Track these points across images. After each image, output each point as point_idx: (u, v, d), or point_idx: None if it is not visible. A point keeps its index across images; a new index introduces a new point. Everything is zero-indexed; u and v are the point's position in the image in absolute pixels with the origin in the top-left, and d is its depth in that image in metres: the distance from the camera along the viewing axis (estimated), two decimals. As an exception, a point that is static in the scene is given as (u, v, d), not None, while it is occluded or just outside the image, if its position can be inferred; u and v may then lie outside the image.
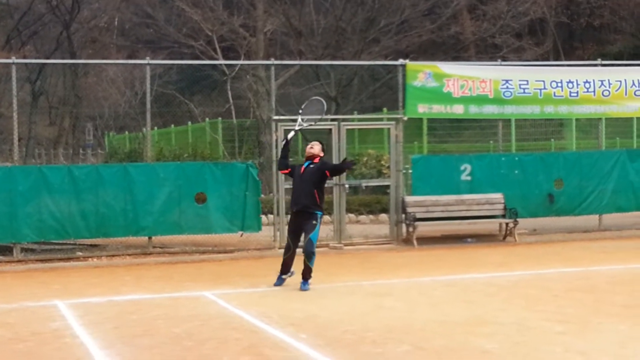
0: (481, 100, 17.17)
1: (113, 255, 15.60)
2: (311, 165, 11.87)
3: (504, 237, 17.10)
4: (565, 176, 17.81)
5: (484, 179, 17.21)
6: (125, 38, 43.19)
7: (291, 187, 17.44)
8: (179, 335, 8.90)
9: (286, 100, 25.86)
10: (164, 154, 25.20)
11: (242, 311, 10.16)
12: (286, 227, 16.45)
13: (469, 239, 17.02)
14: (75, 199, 15.09)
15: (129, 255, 15.60)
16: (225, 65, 23.36)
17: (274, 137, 16.27)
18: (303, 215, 11.74)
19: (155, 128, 29.82)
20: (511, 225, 16.90)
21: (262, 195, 16.53)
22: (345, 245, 16.01)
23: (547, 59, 33.14)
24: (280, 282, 11.98)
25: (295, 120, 20.51)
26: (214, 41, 26.37)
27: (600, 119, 18.78)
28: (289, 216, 18.85)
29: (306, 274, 11.71)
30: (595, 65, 18.70)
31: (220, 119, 27.49)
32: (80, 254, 15.76)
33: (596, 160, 18.02)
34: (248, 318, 9.77)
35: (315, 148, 12.03)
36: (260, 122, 24.52)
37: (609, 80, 17.84)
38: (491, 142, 21.70)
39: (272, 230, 16.18)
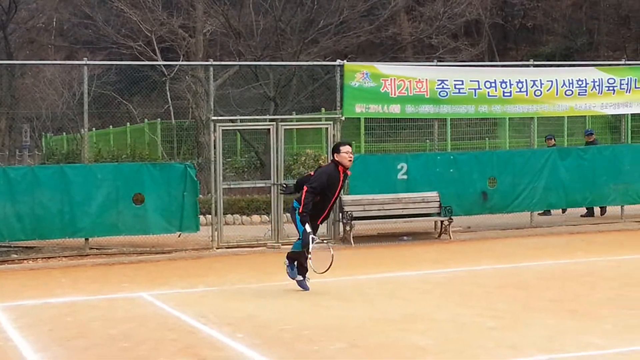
0: (418, 100, 17.28)
1: (49, 257, 15.36)
2: (346, 177, 11.23)
3: (439, 235, 17.26)
4: (499, 174, 18.03)
5: (420, 177, 17.34)
6: (63, 39, 42.57)
7: (229, 187, 17.53)
8: (114, 337, 8.80)
9: (225, 100, 25.76)
10: (102, 155, 24.92)
11: (180, 312, 10.09)
12: (224, 227, 16.51)
13: (405, 237, 17.13)
14: (10, 200, 14.84)
15: (65, 257, 15.38)
16: (164, 66, 23.15)
17: (212, 138, 16.18)
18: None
19: (94, 129, 29.48)
20: (446, 223, 17.06)
21: (200, 196, 16.44)
22: (283, 244, 15.99)
23: (482, 60, 33.53)
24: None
25: (233, 121, 20.63)
26: (153, 42, 26.12)
27: (533, 118, 19.07)
28: (227, 216, 18.98)
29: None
30: (528, 65, 18.98)
31: (159, 119, 27.28)
32: (15, 256, 15.49)
33: (528, 159, 18.26)
34: (185, 318, 9.71)
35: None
36: (199, 122, 24.37)
37: (540, 80, 18.07)
38: (427, 141, 21.91)
39: (210, 230, 16.09)
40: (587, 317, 9.45)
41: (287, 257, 11.34)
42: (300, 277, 11.31)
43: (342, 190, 11.28)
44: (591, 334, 8.65)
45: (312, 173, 11.32)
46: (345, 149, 11.03)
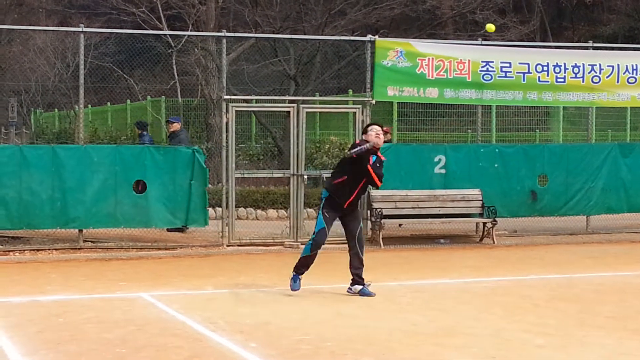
0: (458, 83, 17.25)
1: (38, 250, 15.47)
2: (378, 164, 11.44)
3: (481, 239, 17.26)
4: (550, 172, 17.99)
5: (460, 172, 17.33)
6: (56, 2, 42.72)
7: (242, 176, 17.58)
8: (110, 342, 8.86)
9: (239, 78, 25.81)
10: (98, 136, 25.09)
11: (185, 316, 10.13)
12: (236, 222, 16.57)
13: (442, 240, 17.13)
14: (-6, 184, 14.97)
15: (56, 249, 15.49)
16: (171, 36, 23.16)
17: (224, 120, 16.23)
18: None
19: (89, 106, 29.60)
20: (489, 225, 17.05)
21: (210, 186, 16.52)
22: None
23: (533, 40, 33.46)
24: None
25: (248, 101, 20.66)
26: (158, 8, 26.18)
27: (590, 108, 18.99)
28: (239, 209, 19.05)
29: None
30: (586, 48, 18.88)
31: (163, 97, 27.39)
32: (0, 247, 15.61)
33: (585, 155, 18.21)
34: (191, 324, 9.76)
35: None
36: (209, 101, 24.43)
37: (600, 65, 17.99)
38: (469, 131, 21.89)
39: (220, 225, 16.15)
40: (650, 338, 9.43)
41: (295, 267, 11.48)
42: (358, 287, 11.58)
43: (371, 179, 11.34)
44: (654, 357, 8.64)
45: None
46: (373, 128, 11.42)
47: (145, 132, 18.63)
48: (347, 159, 11.21)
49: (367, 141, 11.20)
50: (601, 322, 10.12)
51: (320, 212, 11.41)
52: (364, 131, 11.62)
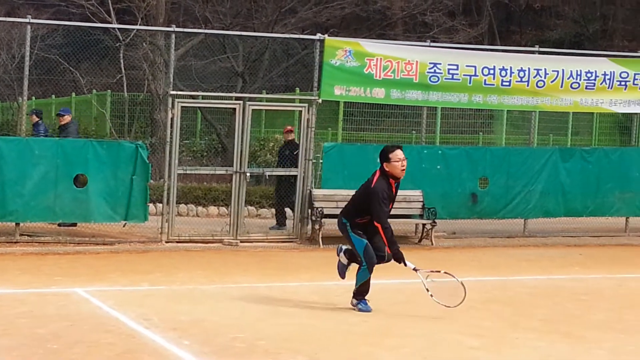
0: (405, 84, 17.24)
1: (-28, 243, 15.29)
2: (398, 186, 10.75)
3: (420, 240, 17.33)
4: (492, 174, 18.10)
5: (402, 173, 17.33)
6: (4, -8, 42.20)
7: (184, 173, 17.49)
8: (43, 337, 8.80)
9: (186, 73, 25.65)
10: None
11: (119, 312, 10.09)
12: (176, 218, 16.48)
13: (381, 240, 17.14)
14: None
15: (-9, 243, 15.31)
16: (119, 30, 23.00)
17: (170, 115, 16.13)
18: None
19: (34, 98, 29.24)
20: (428, 226, 17.13)
21: (152, 181, 16.40)
22: (242, 242, 15.99)
23: (481, 43, 33.59)
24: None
25: (194, 97, 20.56)
26: (108, 1, 25.97)
27: (533, 112, 19.11)
28: (180, 206, 18.92)
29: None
30: (533, 52, 18.94)
31: (109, 91, 27.12)
32: None
33: (526, 158, 18.31)
34: (125, 320, 9.72)
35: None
36: (155, 97, 24.28)
37: (545, 69, 18.02)
38: (414, 132, 21.94)
39: (160, 221, 16.05)
40: (581, 341, 9.56)
41: (355, 295, 10.71)
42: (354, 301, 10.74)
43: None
44: (583, 359, 8.74)
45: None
46: (397, 155, 10.38)
47: (40, 121, 18.33)
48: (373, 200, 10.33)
49: (391, 176, 10.38)
50: (534, 325, 10.25)
51: (352, 234, 10.62)
52: (384, 156, 10.47)
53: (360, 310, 10.55)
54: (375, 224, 10.32)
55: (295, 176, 16.90)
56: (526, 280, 13.44)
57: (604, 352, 9.13)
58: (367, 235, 10.51)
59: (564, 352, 9.05)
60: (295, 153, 17.33)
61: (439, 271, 10.67)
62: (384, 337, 9.39)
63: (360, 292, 10.64)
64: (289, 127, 18.73)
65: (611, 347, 9.31)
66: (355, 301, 10.68)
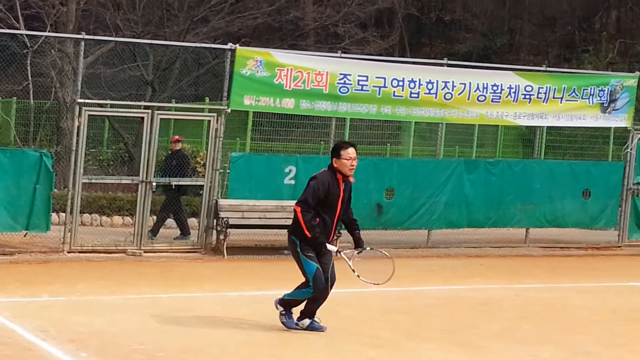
0: (315, 95, 17.27)
1: None
2: (350, 190, 10.27)
3: (324, 250, 17.34)
4: (398, 185, 18.21)
5: (309, 183, 17.38)
6: None
7: (90, 182, 17.26)
8: None
9: (95, 81, 25.32)
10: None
11: (16, 324, 9.93)
12: (79, 228, 16.26)
13: (286, 251, 17.08)
14: None
15: None
16: (27, 36, 22.59)
17: (76, 123, 15.91)
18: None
19: (-61, 104, 28.60)
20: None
21: (55, 190, 16.15)
22: (146, 252, 15.82)
23: (392, 55, 33.92)
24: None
25: (102, 106, 20.30)
26: (17, 7, 25.53)
27: (440, 124, 19.33)
28: (84, 215, 18.64)
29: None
30: (441, 64, 19.14)
31: (14, 98, 26.63)
32: None
33: (432, 170, 18.49)
34: (21, 332, 9.58)
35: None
36: (62, 104, 23.90)
37: (453, 82, 18.19)
38: (322, 143, 22.01)
39: (63, 231, 15.79)
40: (477, 351, 9.74)
41: (283, 303, 10.28)
42: (307, 321, 10.20)
43: (347, 207, 10.28)
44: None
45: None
46: (348, 153, 10.03)
47: None
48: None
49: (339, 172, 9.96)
50: (433, 335, 10.40)
51: (302, 256, 10.08)
52: (335, 152, 10.12)
53: (284, 322, 10.17)
54: (295, 207, 10.00)
55: (181, 187, 17.05)
56: (428, 290, 13.61)
57: (498, 361, 9.32)
58: (318, 257, 10.04)
59: (460, 362, 9.21)
60: (181, 163, 17.33)
61: (365, 248, 10.48)
62: (285, 347, 9.45)
63: (289, 302, 10.23)
64: (176, 137, 18.70)
65: (507, 357, 9.50)
66: (282, 308, 10.26)
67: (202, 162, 19.58)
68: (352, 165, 10.01)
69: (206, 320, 10.70)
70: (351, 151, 10.03)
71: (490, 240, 19.17)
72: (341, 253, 10.14)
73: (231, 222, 16.28)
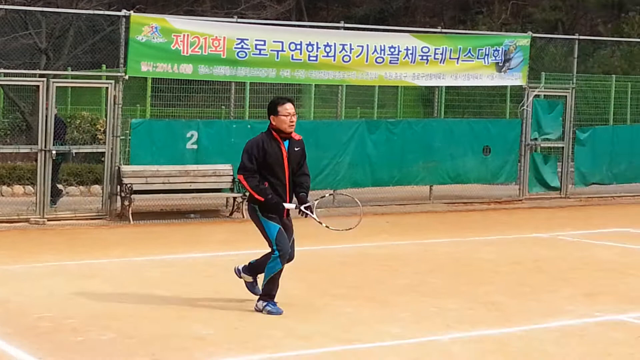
0: (213, 60, 17.22)
1: None
2: (296, 148, 9.63)
3: (231, 213, 17.34)
4: (301, 147, 18.25)
5: (212, 148, 17.31)
6: None
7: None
8: None
9: (-14, 50, 24.69)
10: None
11: None
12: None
13: (192, 215, 17.08)
14: None
15: None
16: None
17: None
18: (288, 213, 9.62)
19: None
20: (239, 199, 17.16)
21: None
22: (49, 220, 15.58)
23: (289, 19, 33.89)
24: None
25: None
26: None
27: (340, 86, 19.46)
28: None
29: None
30: (338, 28, 19.27)
31: None
32: None
33: (334, 131, 18.64)
34: None
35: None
36: (-46, 75, 23.26)
37: (350, 44, 18.38)
38: (223, 107, 21.91)
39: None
40: (386, 305, 9.85)
41: (262, 296, 9.56)
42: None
43: (297, 167, 9.68)
44: (388, 323, 9.03)
45: None
46: (286, 109, 9.35)
47: None
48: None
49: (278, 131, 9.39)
50: (342, 292, 10.49)
51: (262, 218, 9.52)
52: (272, 109, 9.40)
53: (269, 312, 9.36)
54: (238, 177, 9.53)
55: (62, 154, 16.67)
56: (337, 249, 13.68)
57: (407, 314, 9.44)
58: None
59: (370, 317, 9.30)
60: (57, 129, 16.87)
61: (323, 196, 10.32)
62: (196, 311, 9.40)
63: (268, 291, 9.48)
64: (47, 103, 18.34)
65: (414, 310, 9.63)
66: (261, 304, 9.47)
67: (102, 130, 19.30)
68: (292, 122, 9.40)
69: (115, 286, 10.58)
70: (289, 106, 9.40)
71: (395, 199, 19.40)
72: (302, 207, 9.59)
73: (135, 187, 16.15)
